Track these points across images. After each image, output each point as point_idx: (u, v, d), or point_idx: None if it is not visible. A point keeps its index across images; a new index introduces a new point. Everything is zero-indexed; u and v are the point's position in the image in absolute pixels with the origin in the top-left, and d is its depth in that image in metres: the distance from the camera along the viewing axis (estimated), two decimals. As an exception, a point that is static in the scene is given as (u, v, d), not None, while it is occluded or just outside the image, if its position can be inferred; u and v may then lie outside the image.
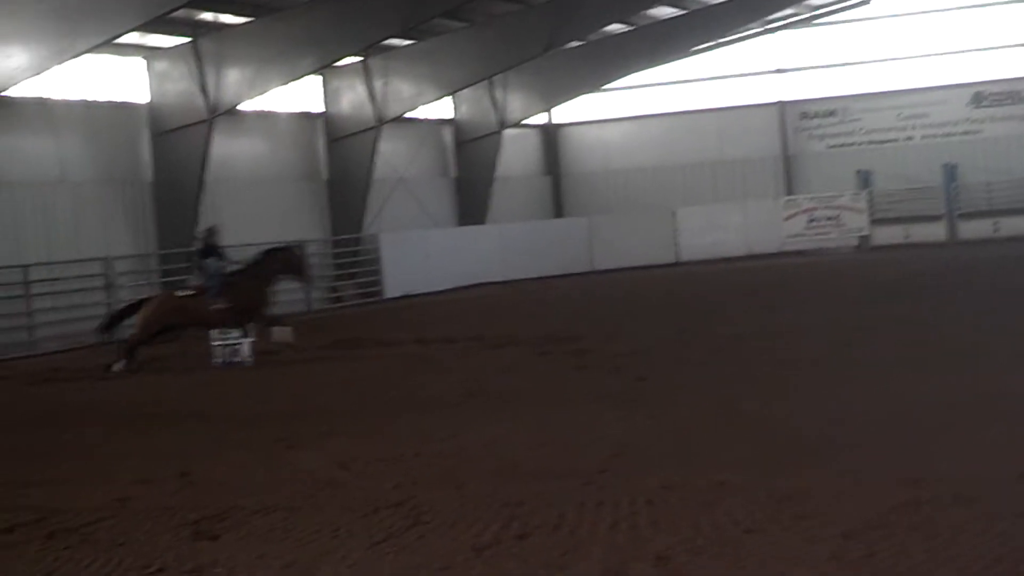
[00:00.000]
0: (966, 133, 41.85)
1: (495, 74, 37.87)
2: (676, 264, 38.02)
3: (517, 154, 43.35)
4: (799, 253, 38.23)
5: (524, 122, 43.21)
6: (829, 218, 39.82)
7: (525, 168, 44.80)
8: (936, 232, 38.91)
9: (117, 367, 19.85)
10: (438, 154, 40.36)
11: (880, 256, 35.51)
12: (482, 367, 17.85)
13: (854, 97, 43.35)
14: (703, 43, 43.45)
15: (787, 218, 40.07)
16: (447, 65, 35.30)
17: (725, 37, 43.77)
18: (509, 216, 40.98)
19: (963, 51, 42.26)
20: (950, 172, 39.45)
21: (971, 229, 38.43)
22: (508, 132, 41.53)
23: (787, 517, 8.25)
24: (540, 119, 45.02)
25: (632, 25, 40.62)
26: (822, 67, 43.98)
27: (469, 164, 40.36)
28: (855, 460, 9.86)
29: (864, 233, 39.48)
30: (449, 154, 40.58)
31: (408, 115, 36.75)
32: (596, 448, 11.03)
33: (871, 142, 42.86)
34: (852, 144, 43.16)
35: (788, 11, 42.92)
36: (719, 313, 23.63)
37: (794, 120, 44.18)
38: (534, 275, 35.68)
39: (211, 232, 21.40)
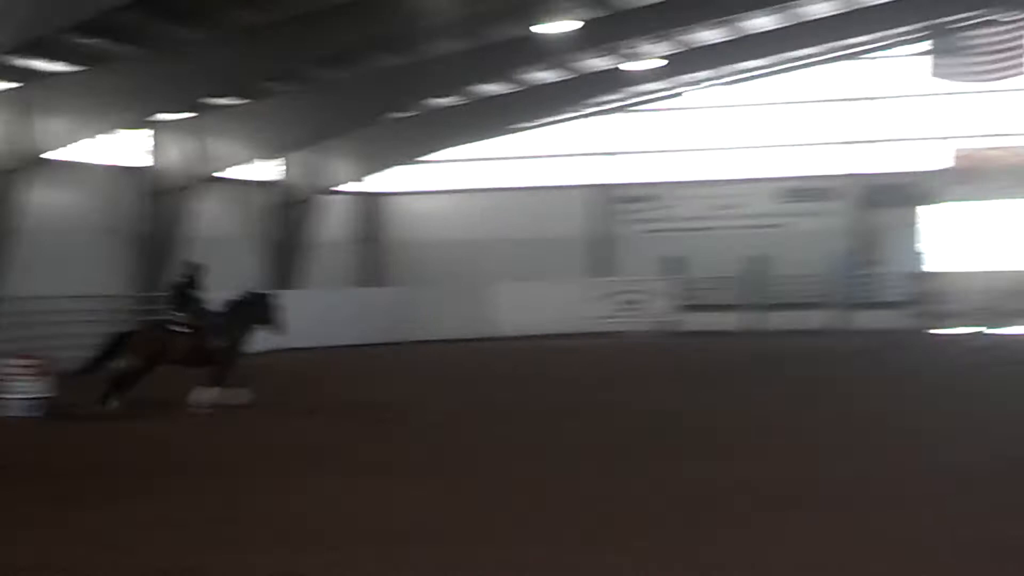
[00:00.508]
0: (773, 226, 43.38)
1: (324, 139, 38.01)
2: (489, 339, 38.25)
3: (337, 220, 43.46)
4: (602, 335, 38.69)
5: (346, 188, 43.40)
6: (636, 301, 40.58)
7: (345, 234, 44.90)
8: (739, 321, 39.91)
9: (111, 404, 19.33)
10: (258, 216, 40.07)
11: (678, 342, 36.30)
12: (280, 431, 17.85)
13: (669, 184, 44.60)
14: (526, 122, 44.34)
15: (596, 299, 40.76)
16: (276, 128, 35.21)
17: (549, 118, 44.73)
18: (326, 282, 40.94)
19: (774, 146, 44.05)
20: (755, 263, 40.60)
21: (773, 319, 39.47)
22: (329, 198, 41.66)
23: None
24: (362, 186, 45.25)
25: (459, 98, 41.19)
26: (640, 152, 45.31)
27: (289, 228, 40.26)
28: (651, 542, 10.07)
29: (669, 318, 40.21)
30: (268, 216, 40.36)
31: (231, 175, 36.62)
32: (388, 519, 11.14)
33: (684, 229, 44.01)
34: (665, 230, 44.34)
35: (610, 96, 44.04)
36: (519, 388, 23.95)
37: (610, 203, 45.24)
38: (348, 343, 35.60)
39: (196, 269, 20.83)
